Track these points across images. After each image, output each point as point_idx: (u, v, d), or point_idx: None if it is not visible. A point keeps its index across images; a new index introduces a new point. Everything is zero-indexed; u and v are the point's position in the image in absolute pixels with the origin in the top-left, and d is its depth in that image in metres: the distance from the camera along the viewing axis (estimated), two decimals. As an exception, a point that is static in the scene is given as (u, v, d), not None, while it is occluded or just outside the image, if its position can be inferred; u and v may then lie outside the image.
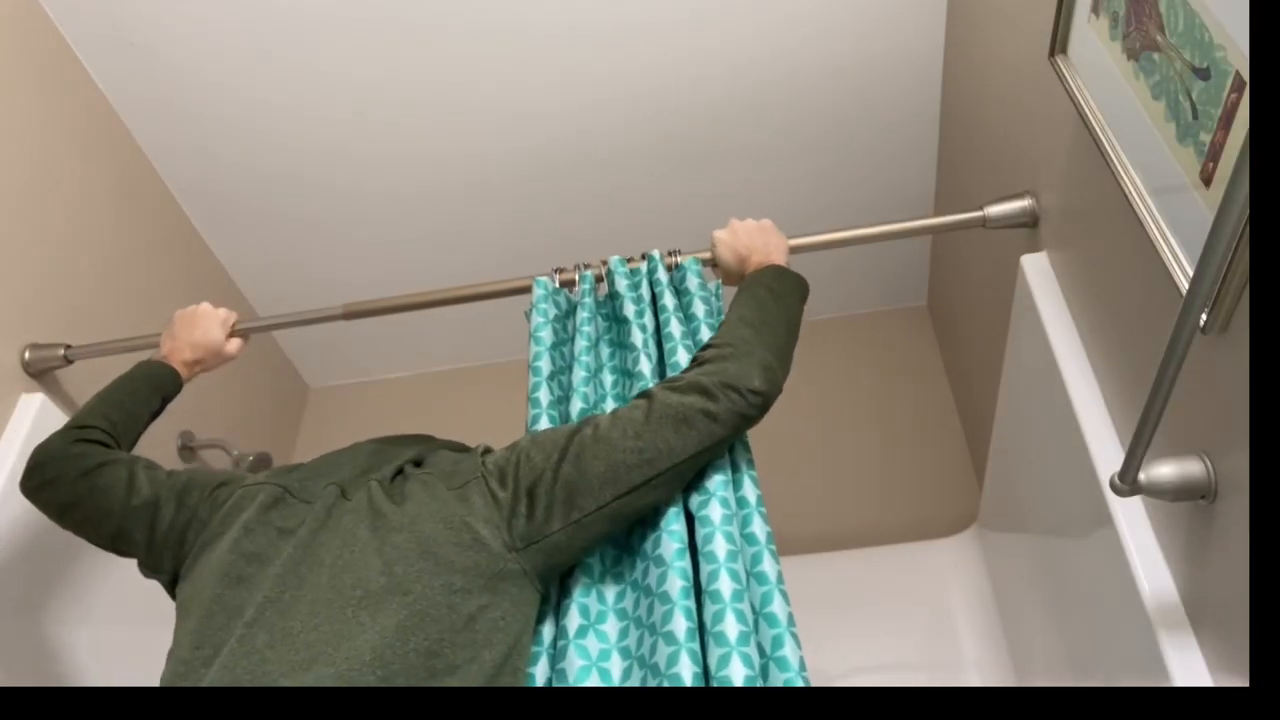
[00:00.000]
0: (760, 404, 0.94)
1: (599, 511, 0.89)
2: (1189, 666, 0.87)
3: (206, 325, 1.30)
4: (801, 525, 2.01)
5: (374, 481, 0.94)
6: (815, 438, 2.13)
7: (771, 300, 1.06)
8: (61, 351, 1.47)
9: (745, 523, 0.95)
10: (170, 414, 1.80)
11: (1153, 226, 0.85)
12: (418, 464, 1.01)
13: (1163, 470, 0.81)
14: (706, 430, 0.91)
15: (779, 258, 1.16)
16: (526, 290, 1.29)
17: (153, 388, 1.22)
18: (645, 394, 0.95)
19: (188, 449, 1.83)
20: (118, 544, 1.00)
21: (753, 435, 2.12)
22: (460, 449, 1.10)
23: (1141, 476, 0.80)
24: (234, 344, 1.34)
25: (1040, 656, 1.42)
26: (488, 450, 0.99)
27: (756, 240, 1.17)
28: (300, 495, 0.95)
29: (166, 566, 0.96)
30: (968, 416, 1.99)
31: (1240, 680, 0.80)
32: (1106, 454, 1.05)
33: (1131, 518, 0.99)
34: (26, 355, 1.46)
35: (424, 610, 0.82)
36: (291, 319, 1.40)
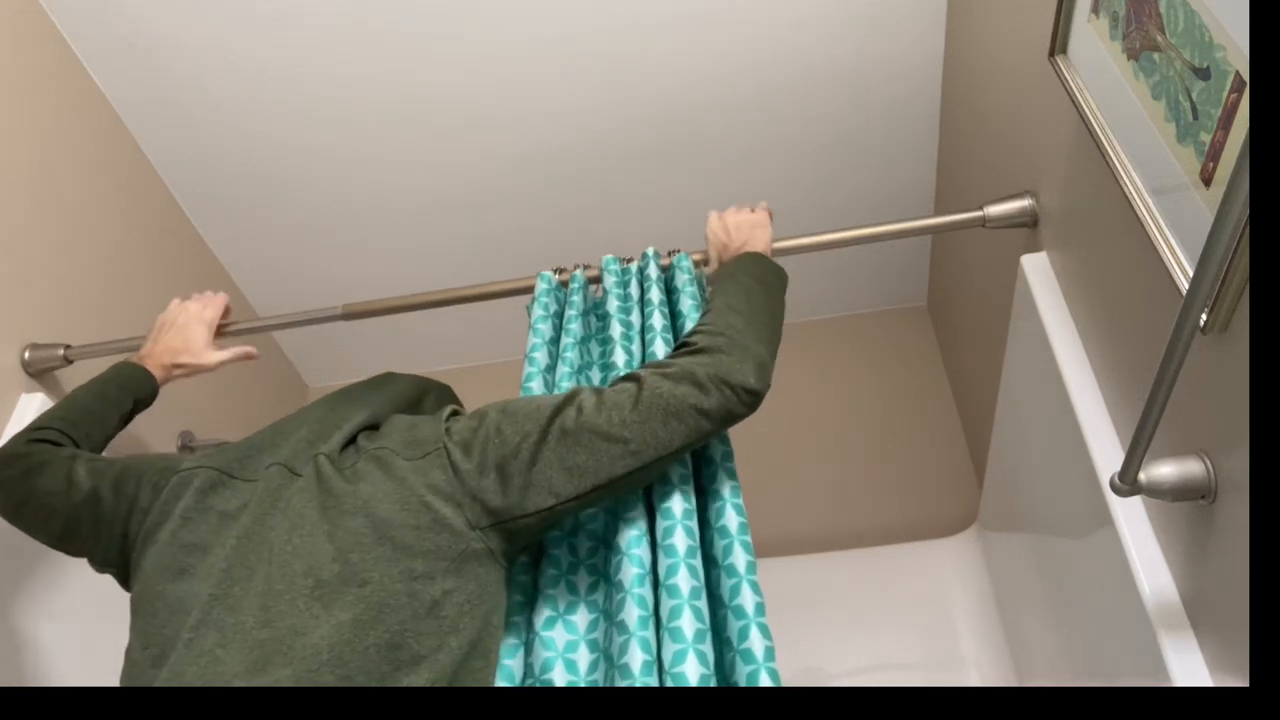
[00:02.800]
0: (752, 403, 0.90)
1: (577, 500, 0.85)
2: (1189, 666, 0.87)
3: (188, 333, 1.26)
4: (802, 525, 2.01)
5: (322, 456, 0.89)
6: (815, 438, 2.13)
7: (759, 289, 1.02)
8: (61, 351, 1.47)
9: (718, 515, 0.95)
10: (171, 414, 1.81)
11: (1153, 226, 0.85)
12: (373, 427, 0.95)
13: (1163, 470, 0.81)
14: (695, 425, 0.87)
15: (761, 247, 1.13)
16: (527, 290, 1.30)
17: (122, 389, 1.18)
18: (633, 377, 0.90)
19: (188, 449, 1.83)
20: (64, 543, 0.97)
21: (754, 435, 2.13)
22: (417, 396, 1.06)
23: (1141, 476, 0.80)
24: (217, 356, 1.28)
25: (1040, 656, 1.42)
26: (454, 414, 0.93)
27: (743, 234, 1.15)
28: (240, 474, 0.90)
29: (114, 559, 0.92)
30: (968, 416, 1.99)
31: (1240, 680, 0.80)
32: (1106, 454, 1.05)
33: (1131, 518, 0.99)
34: (26, 355, 1.46)
35: (382, 600, 0.78)
36: (291, 319, 1.40)
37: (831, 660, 1.70)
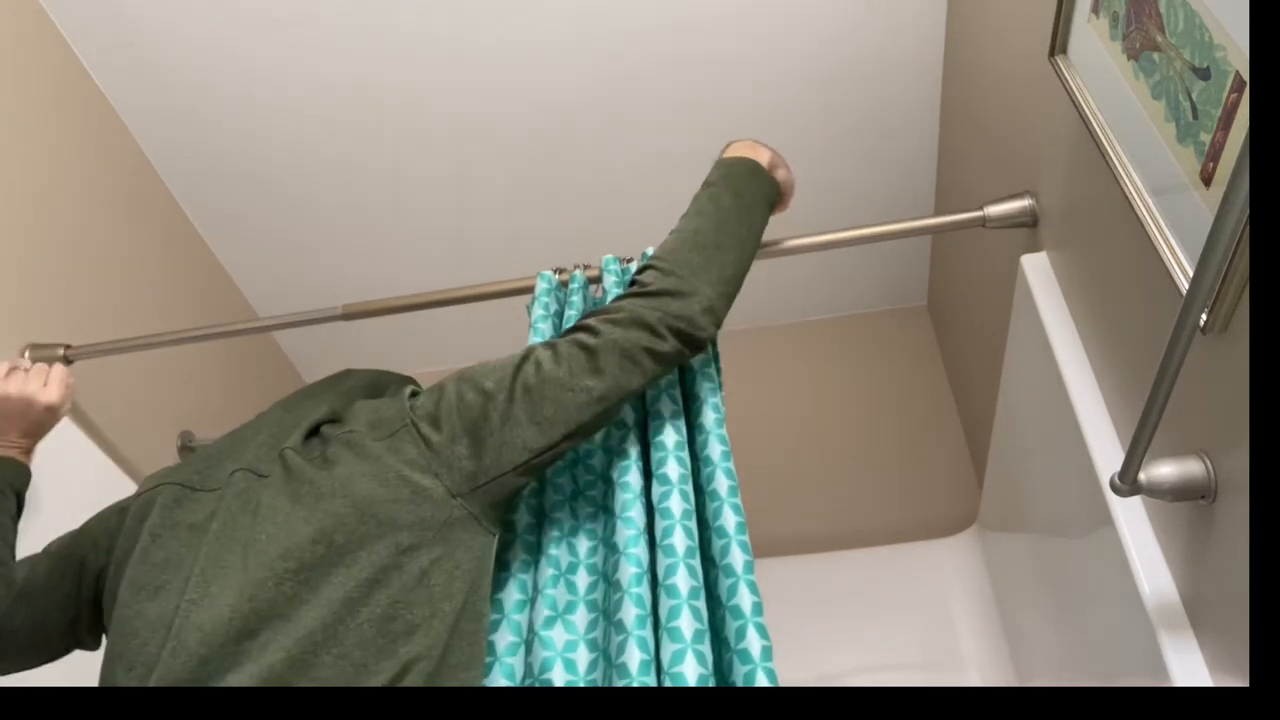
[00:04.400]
0: (699, 346, 0.93)
1: (550, 451, 0.88)
2: (1189, 666, 0.87)
3: (29, 413, 1.15)
4: (801, 525, 2.01)
5: (288, 451, 0.88)
6: (815, 438, 2.13)
7: (735, 209, 1.00)
8: (61, 351, 1.46)
9: (716, 514, 0.95)
10: (170, 414, 1.81)
11: (1153, 226, 0.85)
12: (335, 421, 0.95)
13: (1163, 470, 0.81)
14: (650, 368, 0.91)
15: (762, 155, 1.07)
16: (527, 290, 1.30)
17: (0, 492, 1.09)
18: (586, 327, 0.92)
19: (187, 449, 1.83)
20: (43, 655, 0.94)
21: (754, 434, 2.13)
22: (378, 387, 1.05)
23: (1141, 476, 0.80)
24: (51, 394, 1.17)
25: (1040, 656, 1.42)
26: (414, 393, 0.94)
27: (741, 147, 1.10)
28: (203, 486, 0.89)
29: (101, 628, 0.91)
30: (968, 416, 1.99)
31: (1240, 680, 0.80)
32: (1106, 454, 1.05)
33: (1131, 518, 0.99)
34: (26, 355, 1.46)
35: (372, 578, 0.79)
36: (291, 319, 1.40)
37: (831, 660, 1.70)
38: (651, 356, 0.90)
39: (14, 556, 1.03)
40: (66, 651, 0.96)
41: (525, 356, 0.91)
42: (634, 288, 0.95)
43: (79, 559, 0.92)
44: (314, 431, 0.93)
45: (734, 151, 1.09)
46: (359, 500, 0.82)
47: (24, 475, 1.13)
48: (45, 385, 1.18)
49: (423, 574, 0.81)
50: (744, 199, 1.01)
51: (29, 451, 1.17)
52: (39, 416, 1.17)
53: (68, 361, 1.47)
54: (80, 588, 0.92)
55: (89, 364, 1.61)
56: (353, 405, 0.96)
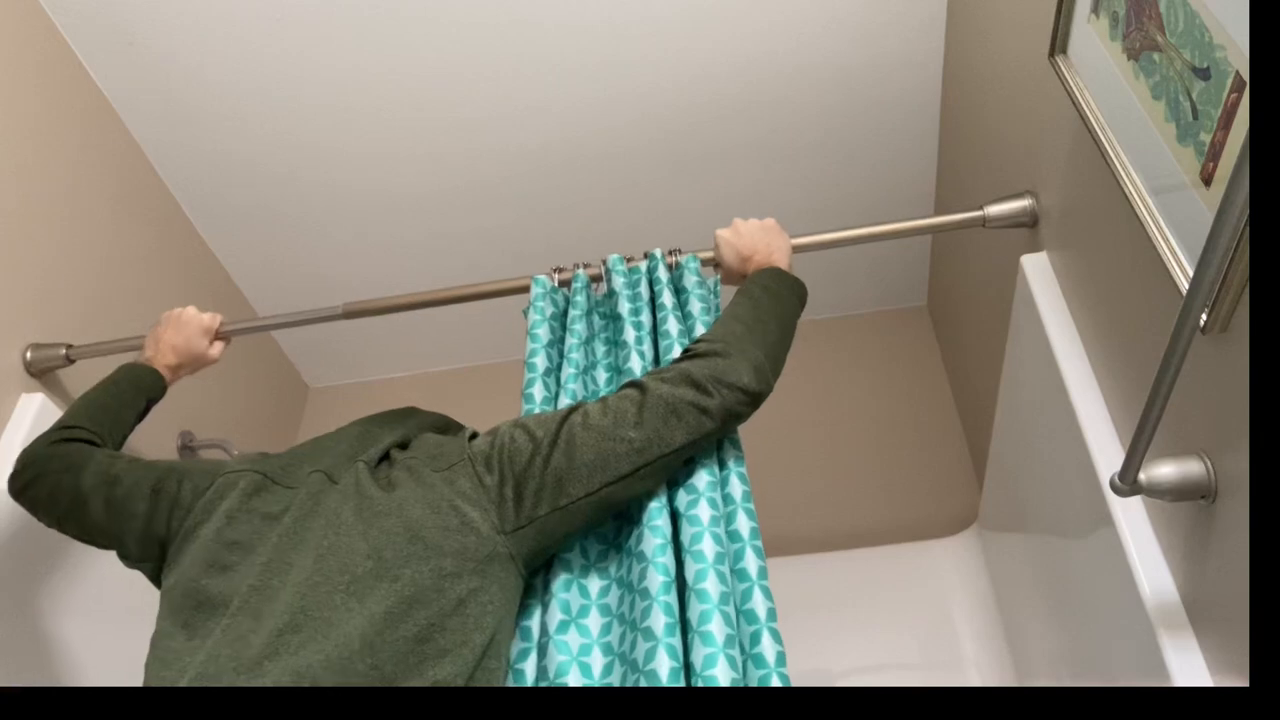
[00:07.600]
0: (749, 402, 0.95)
1: (588, 498, 0.90)
2: (1189, 666, 0.87)
3: (190, 332, 1.32)
4: (802, 525, 2.01)
5: (360, 464, 0.95)
6: (815, 438, 2.13)
7: (767, 299, 1.06)
8: (62, 351, 1.47)
9: (730, 519, 0.96)
10: (170, 414, 1.81)
11: (1153, 226, 0.85)
12: (403, 446, 1.01)
13: (1163, 470, 0.81)
14: (696, 423, 0.92)
15: (781, 259, 1.16)
16: (527, 290, 1.30)
17: (136, 389, 1.23)
18: (635, 384, 0.96)
19: (188, 449, 1.83)
20: (100, 537, 1.00)
21: (754, 435, 2.13)
22: (443, 426, 1.11)
23: (1141, 476, 0.80)
24: (216, 348, 1.36)
25: (1040, 656, 1.42)
26: (474, 436, 1.00)
27: (759, 240, 1.17)
28: (283, 481, 0.96)
29: (151, 554, 0.96)
30: (968, 416, 1.99)
31: (1240, 680, 0.80)
32: (1106, 454, 1.05)
33: (1131, 518, 0.99)
34: (28, 355, 1.46)
35: (413, 595, 0.83)
36: (291, 319, 1.40)
37: (831, 660, 1.70)
38: (698, 411, 0.92)
39: (122, 446, 1.18)
40: (112, 548, 1.00)
41: (576, 407, 0.95)
42: (685, 354, 0.99)
43: (170, 495, 0.97)
44: (386, 456, 0.99)
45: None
46: (410, 522, 0.87)
47: (161, 389, 1.27)
48: (213, 344, 1.36)
49: (460, 602, 0.84)
50: (772, 290, 1.08)
51: (176, 373, 1.31)
52: (193, 356, 1.33)
53: (69, 361, 1.47)
54: (152, 520, 0.96)
55: (89, 364, 1.61)
56: (421, 435, 1.02)
